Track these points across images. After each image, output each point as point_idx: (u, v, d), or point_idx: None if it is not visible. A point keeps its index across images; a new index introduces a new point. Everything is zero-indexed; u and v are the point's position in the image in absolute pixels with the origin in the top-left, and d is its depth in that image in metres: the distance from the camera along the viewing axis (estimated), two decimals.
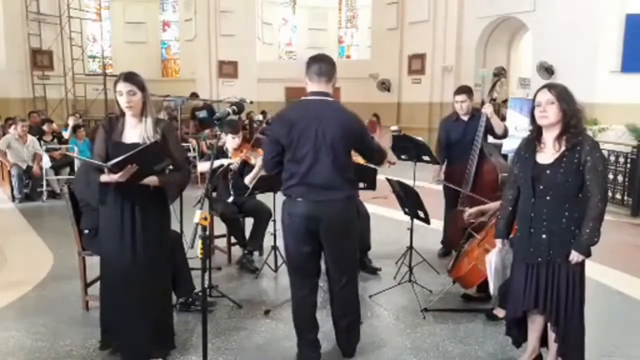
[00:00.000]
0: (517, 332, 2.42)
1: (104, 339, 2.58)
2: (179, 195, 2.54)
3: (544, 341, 2.38)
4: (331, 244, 2.40)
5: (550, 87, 2.16)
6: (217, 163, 3.29)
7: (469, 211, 3.09)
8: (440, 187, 4.26)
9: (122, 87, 2.32)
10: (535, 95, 2.20)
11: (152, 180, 2.33)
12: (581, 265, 2.17)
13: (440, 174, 4.01)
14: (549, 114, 2.11)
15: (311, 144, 2.27)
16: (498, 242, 2.41)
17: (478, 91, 8.62)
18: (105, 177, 2.28)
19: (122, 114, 2.40)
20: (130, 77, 2.34)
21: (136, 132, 2.38)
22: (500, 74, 3.75)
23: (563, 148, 2.12)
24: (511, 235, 2.38)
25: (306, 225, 2.34)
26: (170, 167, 2.37)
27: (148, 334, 2.45)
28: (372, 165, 3.59)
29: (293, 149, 2.30)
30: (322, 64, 2.37)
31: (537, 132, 2.19)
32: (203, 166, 4.00)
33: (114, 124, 2.41)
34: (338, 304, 2.53)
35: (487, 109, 3.62)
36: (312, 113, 2.30)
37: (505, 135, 3.82)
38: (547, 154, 2.17)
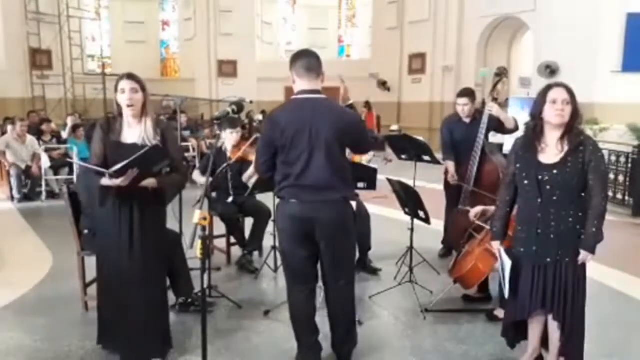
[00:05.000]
0: (514, 334, 2.42)
1: (103, 338, 2.57)
2: (176, 196, 2.54)
3: (543, 341, 2.37)
4: (327, 246, 2.31)
5: (564, 86, 2.14)
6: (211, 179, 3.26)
7: (474, 211, 3.06)
8: (441, 187, 4.25)
9: (125, 84, 2.32)
10: (544, 93, 2.15)
11: (150, 182, 2.32)
12: (584, 265, 2.18)
13: (454, 173, 3.95)
14: (566, 113, 2.10)
15: (305, 144, 2.20)
16: (496, 244, 2.39)
17: (479, 91, 8.61)
18: (107, 182, 2.27)
19: (120, 114, 2.38)
20: (133, 76, 2.37)
21: (135, 132, 2.37)
22: (502, 73, 3.71)
23: (567, 148, 2.12)
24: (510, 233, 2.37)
25: (301, 227, 2.28)
26: (168, 169, 2.37)
27: (146, 334, 2.45)
28: (373, 166, 3.59)
29: (287, 151, 2.23)
30: (309, 59, 2.26)
31: (539, 132, 2.17)
32: (199, 178, 3.95)
33: (111, 124, 2.39)
34: (334, 309, 2.46)
35: (493, 108, 3.61)
36: (304, 113, 2.22)
37: (517, 127, 3.78)
38: (549, 154, 2.15)
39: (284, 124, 2.22)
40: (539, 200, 2.16)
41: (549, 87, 2.16)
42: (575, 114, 2.11)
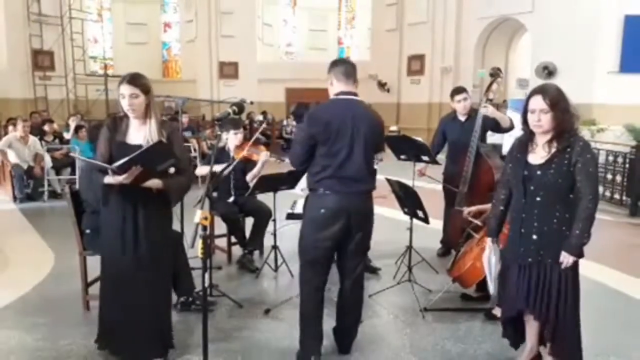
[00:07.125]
0: (514, 333, 2.42)
1: (102, 338, 2.57)
2: (182, 198, 2.54)
3: (542, 340, 2.38)
4: (354, 235, 2.47)
5: (544, 93, 2.09)
6: (216, 168, 3.27)
7: (468, 209, 3.11)
8: (439, 187, 4.27)
9: (125, 89, 2.30)
10: (528, 99, 2.15)
11: (155, 183, 2.31)
12: (574, 265, 2.15)
13: (425, 169, 4.00)
14: (543, 122, 2.08)
15: (347, 139, 2.39)
16: (489, 240, 2.43)
17: (476, 92, 8.65)
18: (109, 179, 2.26)
19: (126, 115, 2.37)
20: (133, 80, 2.31)
21: (140, 134, 2.36)
22: (496, 74, 3.73)
23: (554, 149, 2.11)
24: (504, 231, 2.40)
25: (333, 218, 2.41)
26: (173, 169, 2.36)
27: (148, 334, 2.46)
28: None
29: (329, 144, 2.39)
30: (347, 66, 2.52)
31: (530, 133, 2.18)
32: (202, 170, 3.99)
33: (118, 124, 2.38)
34: (348, 300, 2.58)
35: (488, 109, 3.64)
36: (346, 111, 2.42)
37: (512, 126, 3.81)
38: (537, 155, 2.16)
39: (328, 118, 2.40)
40: (523, 200, 2.17)
41: (530, 94, 2.15)
42: (562, 119, 2.06)
